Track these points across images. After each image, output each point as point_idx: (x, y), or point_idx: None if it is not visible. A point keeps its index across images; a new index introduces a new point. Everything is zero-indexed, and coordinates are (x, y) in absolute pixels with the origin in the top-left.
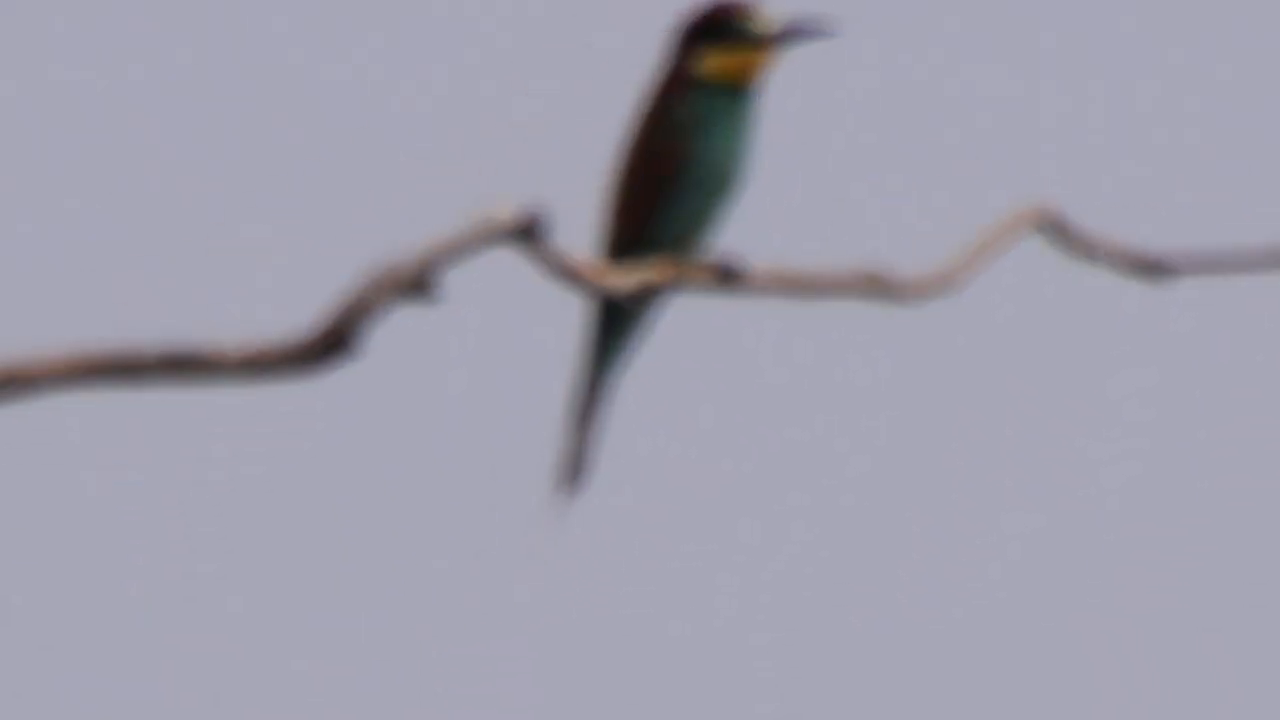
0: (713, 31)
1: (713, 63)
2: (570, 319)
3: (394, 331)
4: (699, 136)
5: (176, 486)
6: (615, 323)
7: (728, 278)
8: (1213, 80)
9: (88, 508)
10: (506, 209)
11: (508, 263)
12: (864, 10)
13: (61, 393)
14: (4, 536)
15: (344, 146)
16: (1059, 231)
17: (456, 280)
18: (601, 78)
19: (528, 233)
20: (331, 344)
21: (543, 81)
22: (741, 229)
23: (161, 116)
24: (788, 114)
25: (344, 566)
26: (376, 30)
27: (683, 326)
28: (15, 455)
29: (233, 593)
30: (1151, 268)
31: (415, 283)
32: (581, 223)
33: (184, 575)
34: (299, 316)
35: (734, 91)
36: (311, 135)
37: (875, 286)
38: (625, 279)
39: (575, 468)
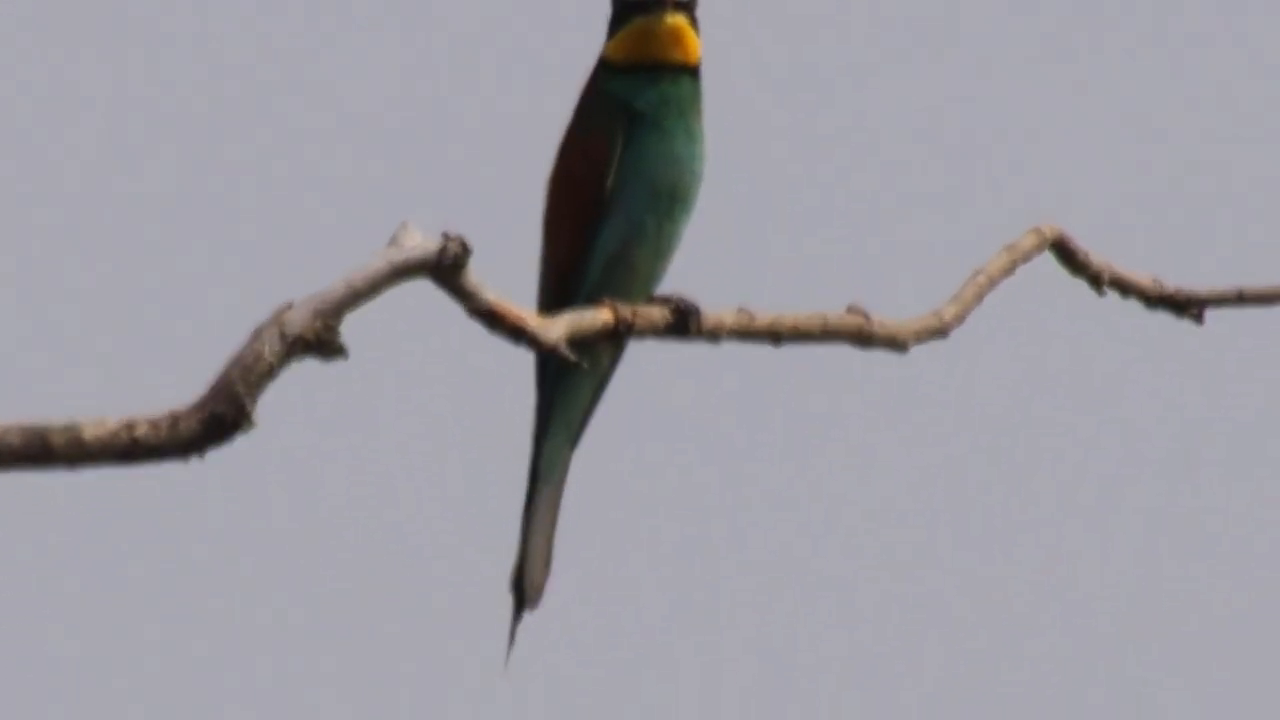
0: (613, 8)
1: (611, 43)
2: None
3: (299, 393)
4: (626, 134)
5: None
6: (558, 376)
7: (683, 321)
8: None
9: None
10: (416, 239)
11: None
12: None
13: None
14: None
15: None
16: (1067, 258)
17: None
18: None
19: (441, 267)
20: (218, 417)
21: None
22: (698, 257)
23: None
24: (742, 104)
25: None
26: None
27: (646, 376)
28: None
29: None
30: (1166, 299)
31: (316, 335)
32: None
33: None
34: (184, 384)
35: (649, 73)
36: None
37: (860, 333)
38: (557, 321)
39: (532, 563)
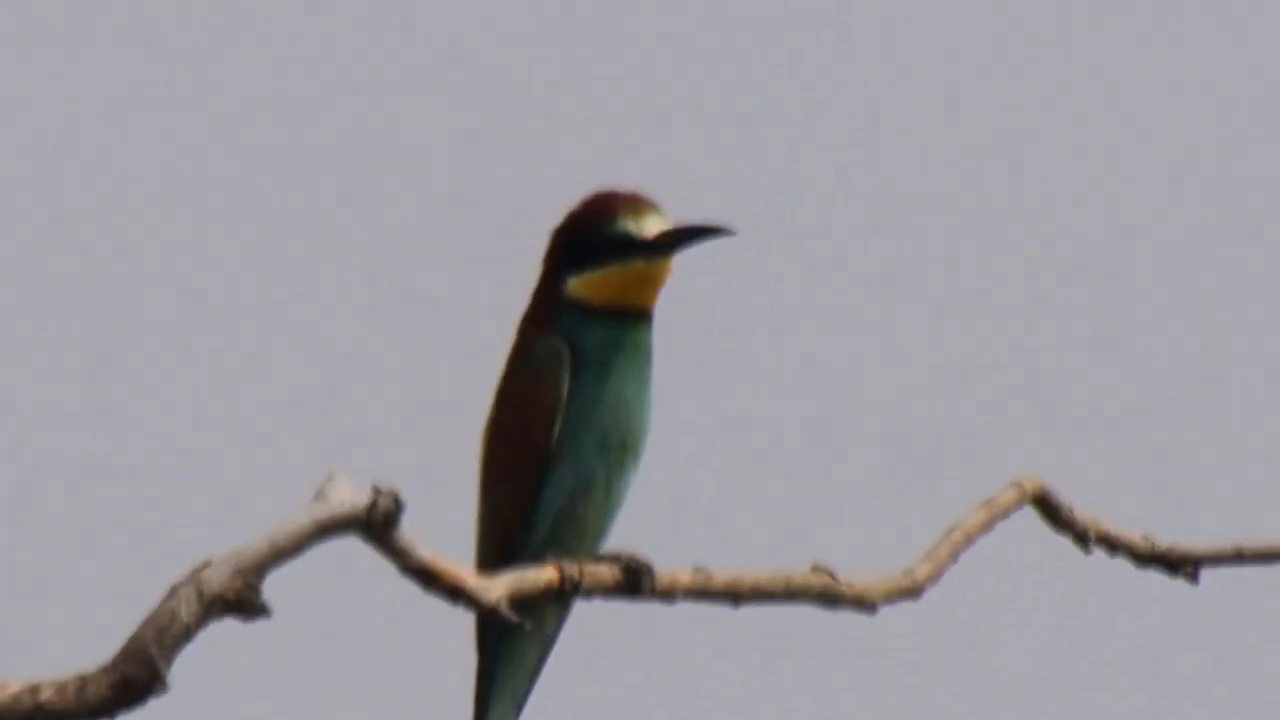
0: (585, 238)
1: (586, 280)
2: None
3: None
4: (574, 379)
5: None
6: (501, 639)
7: (635, 580)
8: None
9: None
10: (345, 492)
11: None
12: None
13: None
14: None
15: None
16: (1049, 513)
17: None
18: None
19: (371, 524)
20: (128, 679)
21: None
22: (647, 510)
23: None
24: (688, 348)
25: None
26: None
27: (595, 638)
28: None
29: None
30: (1159, 557)
31: (236, 594)
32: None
33: None
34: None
35: (616, 317)
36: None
37: (826, 593)
38: (498, 581)
39: None
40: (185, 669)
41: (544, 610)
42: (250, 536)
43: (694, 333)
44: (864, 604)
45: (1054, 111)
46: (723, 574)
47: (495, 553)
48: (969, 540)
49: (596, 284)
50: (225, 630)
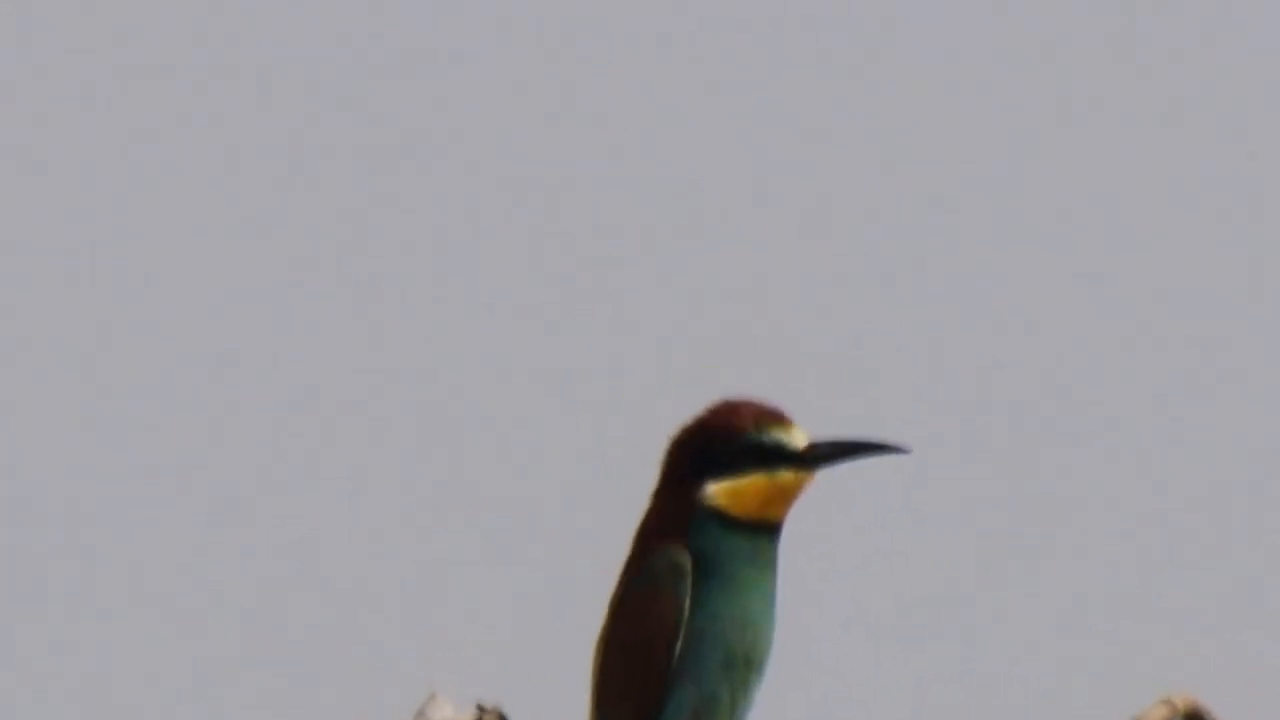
0: (727, 445)
1: (728, 488)
2: None
3: None
4: (697, 593)
5: None
6: None
7: None
8: None
9: None
10: (447, 711)
11: None
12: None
13: None
14: None
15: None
16: None
17: None
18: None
19: None
20: None
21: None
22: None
23: None
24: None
25: None
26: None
27: None
28: None
29: None
30: None
31: None
32: None
33: None
34: None
35: (751, 529)
36: None
37: None
38: None
39: None
40: None
41: None
42: None
43: (814, 535)
44: None
45: None
46: None
47: None
48: None
49: (739, 493)
50: None
